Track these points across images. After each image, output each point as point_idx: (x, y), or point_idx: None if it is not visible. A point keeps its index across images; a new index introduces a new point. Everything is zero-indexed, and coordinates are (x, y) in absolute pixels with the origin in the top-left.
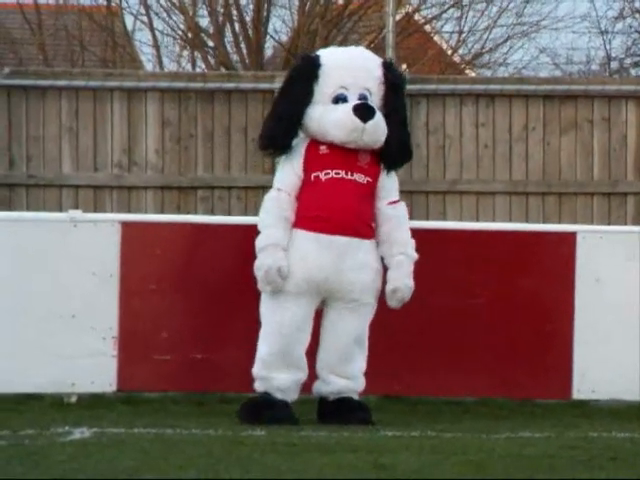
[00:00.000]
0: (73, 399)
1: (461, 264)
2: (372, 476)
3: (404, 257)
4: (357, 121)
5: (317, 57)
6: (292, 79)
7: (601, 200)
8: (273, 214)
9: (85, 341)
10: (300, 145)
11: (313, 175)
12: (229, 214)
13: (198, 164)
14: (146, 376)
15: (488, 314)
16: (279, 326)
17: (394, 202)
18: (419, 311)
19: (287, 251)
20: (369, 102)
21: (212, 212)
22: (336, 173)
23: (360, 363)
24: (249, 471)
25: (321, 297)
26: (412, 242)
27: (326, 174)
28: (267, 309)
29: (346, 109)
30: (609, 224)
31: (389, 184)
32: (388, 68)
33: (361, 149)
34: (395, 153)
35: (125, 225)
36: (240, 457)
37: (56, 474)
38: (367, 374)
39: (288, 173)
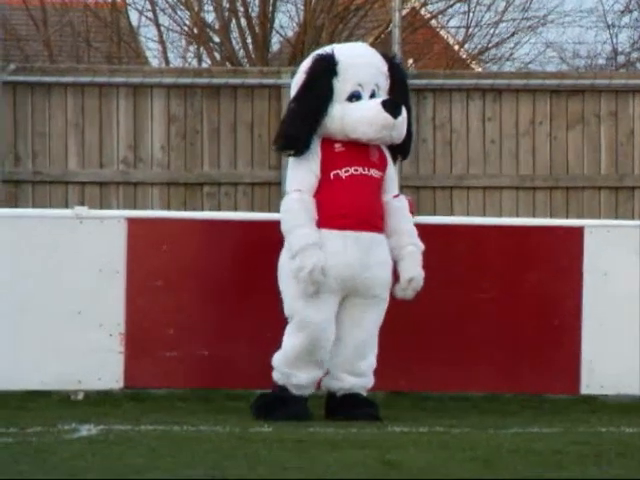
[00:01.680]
0: (80, 396)
1: (468, 259)
2: (380, 473)
3: (414, 247)
4: (389, 117)
5: (333, 54)
6: (313, 77)
7: (608, 194)
8: (302, 215)
9: (91, 338)
10: (314, 145)
11: (332, 173)
12: (235, 210)
13: (204, 160)
14: (153, 373)
15: (495, 309)
16: (310, 325)
17: (397, 195)
18: (426, 306)
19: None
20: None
21: (218, 208)
22: (355, 170)
23: (372, 360)
24: (257, 468)
25: (344, 293)
26: (416, 232)
27: (346, 171)
28: (299, 306)
29: (375, 106)
30: (616, 218)
31: (393, 177)
32: (392, 62)
33: (373, 144)
34: (409, 143)
35: (131, 221)
36: (248, 454)
37: (63, 471)
38: (374, 370)
39: (306, 173)
